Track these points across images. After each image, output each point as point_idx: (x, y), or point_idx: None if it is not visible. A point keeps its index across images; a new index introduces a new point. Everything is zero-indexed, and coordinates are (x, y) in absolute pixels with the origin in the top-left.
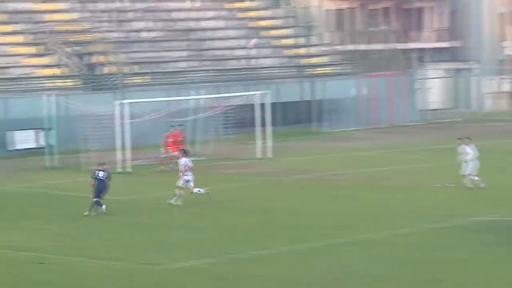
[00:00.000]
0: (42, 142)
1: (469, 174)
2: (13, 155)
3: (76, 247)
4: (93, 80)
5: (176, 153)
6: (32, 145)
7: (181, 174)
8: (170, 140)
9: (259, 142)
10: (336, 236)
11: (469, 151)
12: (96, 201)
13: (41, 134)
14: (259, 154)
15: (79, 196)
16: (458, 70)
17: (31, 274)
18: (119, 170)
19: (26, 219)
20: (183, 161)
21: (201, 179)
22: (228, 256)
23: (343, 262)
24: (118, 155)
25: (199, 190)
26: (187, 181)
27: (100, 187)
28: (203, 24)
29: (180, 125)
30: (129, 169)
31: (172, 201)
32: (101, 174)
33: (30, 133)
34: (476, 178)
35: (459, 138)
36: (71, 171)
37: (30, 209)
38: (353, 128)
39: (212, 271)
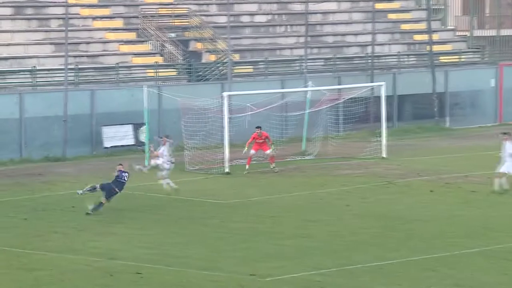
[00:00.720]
0: (143, 139)
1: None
2: (111, 152)
3: (175, 256)
4: (196, 70)
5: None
6: (130, 141)
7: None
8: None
9: (383, 139)
10: (466, 246)
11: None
12: (101, 203)
13: (140, 129)
14: (382, 153)
15: (179, 199)
16: None
17: (127, 285)
18: (226, 170)
19: (123, 224)
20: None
21: (314, 181)
22: (344, 267)
23: (470, 275)
24: (226, 153)
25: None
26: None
27: (116, 191)
28: (318, 7)
29: (257, 127)
30: (227, 169)
31: None
32: (126, 176)
33: (128, 129)
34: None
35: (504, 133)
36: (171, 172)
37: (127, 213)
38: (490, 124)
39: (327, 283)
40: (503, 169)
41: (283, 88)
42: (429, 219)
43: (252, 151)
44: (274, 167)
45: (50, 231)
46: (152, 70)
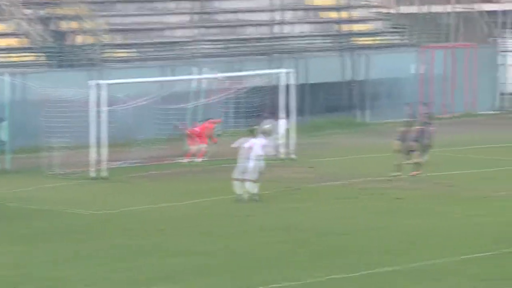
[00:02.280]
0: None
1: None
2: None
3: (42, 278)
4: (61, 54)
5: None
6: None
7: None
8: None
9: (290, 137)
10: (388, 264)
11: None
12: None
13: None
14: (282, 154)
15: (43, 210)
16: None
17: None
18: (93, 174)
19: None
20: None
21: (207, 186)
22: None
23: None
24: (92, 154)
25: None
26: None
27: None
28: None
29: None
30: (104, 173)
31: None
32: None
33: None
34: None
35: None
36: (29, 176)
37: None
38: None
39: None
40: None
41: (168, 75)
42: (346, 231)
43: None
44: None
45: None
46: (14, 55)
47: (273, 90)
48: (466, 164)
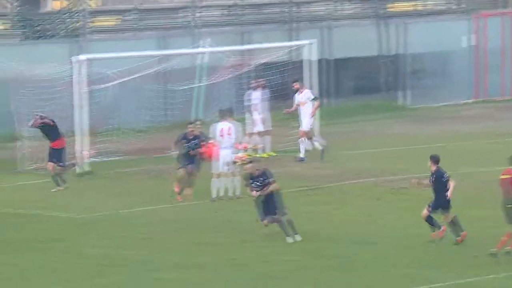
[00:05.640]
0: None
1: None
2: None
3: None
4: (36, 23)
5: None
6: None
7: None
8: None
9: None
10: (431, 280)
11: None
12: None
13: None
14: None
15: (9, 214)
16: None
17: None
18: (78, 170)
19: None
20: None
21: (205, 185)
22: None
23: None
24: (77, 145)
25: None
26: None
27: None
28: None
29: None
30: (86, 167)
31: None
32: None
33: None
34: None
35: None
36: None
37: None
38: (462, 101)
39: None
40: None
41: (164, 49)
42: (376, 240)
43: None
44: None
45: None
46: None
47: (292, 66)
48: None
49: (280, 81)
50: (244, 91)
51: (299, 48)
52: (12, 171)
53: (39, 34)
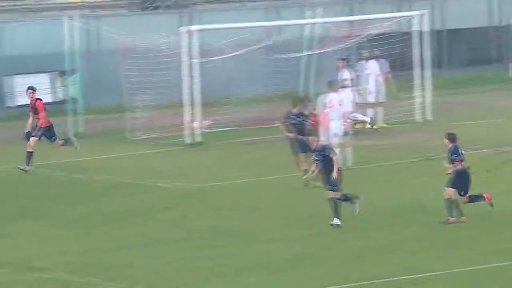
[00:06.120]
0: (61, 95)
1: None
2: (15, 114)
3: (113, 267)
4: None
5: None
6: (45, 99)
7: None
8: None
9: (424, 95)
10: None
11: None
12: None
13: (60, 80)
14: (420, 115)
15: (120, 183)
16: None
17: None
18: (188, 141)
19: (29, 220)
20: None
21: None
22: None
23: None
24: (186, 115)
25: None
26: None
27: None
28: None
29: None
30: (198, 138)
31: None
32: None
33: (43, 79)
34: None
35: None
36: (107, 142)
37: (37, 203)
38: None
39: None
40: None
41: (273, 19)
42: (484, 215)
43: None
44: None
45: None
46: None
47: (402, 38)
48: None
49: (392, 52)
50: (354, 62)
51: (410, 19)
52: (122, 141)
53: (148, 4)
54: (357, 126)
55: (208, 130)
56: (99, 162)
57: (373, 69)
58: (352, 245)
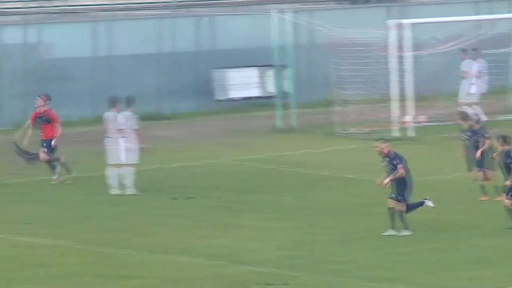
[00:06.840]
0: (271, 89)
1: None
2: (226, 107)
3: (328, 261)
4: None
5: None
6: (254, 92)
7: None
8: None
9: None
10: None
11: None
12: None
13: (270, 74)
14: None
15: (332, 177)
16: None
17: None
18: (396, 134)
19: (246, 212)
20: None
21: None
22: None
23: None
24: (395, 109)
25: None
26: None
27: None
28: None
29: None
30: (411, 133)
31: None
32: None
33: (252, 73)
34: None
35: None
36: (318, 136)
37: (251, 196)
38: None
39: None
40: None
41: (484, 13)
42: None
43: None
44: None
45: (153, 222)
46: None
47: None
48: None
49: None
50: None
51: None
52: (329, 135)
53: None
54: None
55: (419, 125)
56: (310, 156)
57: None
58: None
